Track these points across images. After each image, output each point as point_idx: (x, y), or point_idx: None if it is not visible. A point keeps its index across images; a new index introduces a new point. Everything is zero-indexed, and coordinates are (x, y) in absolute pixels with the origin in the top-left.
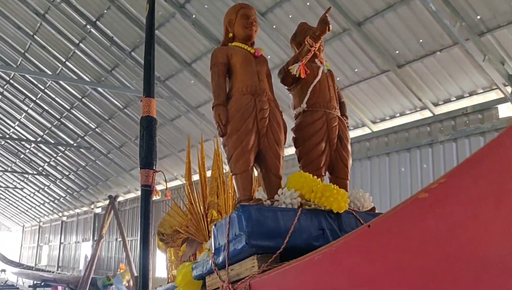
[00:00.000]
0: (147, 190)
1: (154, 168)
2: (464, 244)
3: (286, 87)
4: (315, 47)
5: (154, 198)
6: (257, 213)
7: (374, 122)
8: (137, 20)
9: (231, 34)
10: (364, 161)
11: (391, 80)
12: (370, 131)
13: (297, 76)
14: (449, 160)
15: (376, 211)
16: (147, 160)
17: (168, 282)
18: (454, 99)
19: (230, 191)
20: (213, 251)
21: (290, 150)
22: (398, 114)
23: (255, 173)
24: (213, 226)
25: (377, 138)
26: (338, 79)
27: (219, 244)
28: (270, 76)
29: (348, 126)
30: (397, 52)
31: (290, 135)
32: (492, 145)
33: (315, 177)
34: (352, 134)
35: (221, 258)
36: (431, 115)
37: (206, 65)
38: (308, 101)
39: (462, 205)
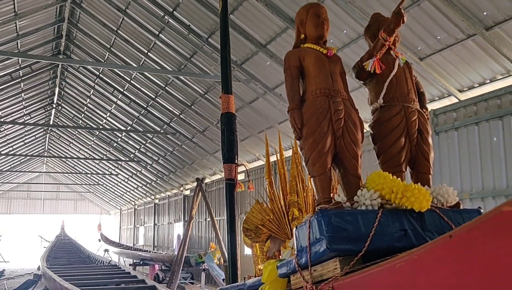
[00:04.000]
0: (231, 184)
1: (236, 162)
2: None
3: (361, 82)
4: (390, 41)
5: (238, 190)
6: (337, 218)
7: (461, 91)
8: (212, 7)
9: (302, 36)
10: (450, 132)
11: (478, 44)
12: (457, 101)
13: (371, 72)
14: None
15: (461, 207)
16: (229, 155)
17: (255, 276)
18: None
19: (310, 190)
20: (296, 251)
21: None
22: (488, 80)
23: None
24: (295, 228)
25: (464, 108)
26: (419, 48)
27: (301, 246)
28: (345, 73)
29: (428, 118)
30: (484, 13)
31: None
32: None
33: (395, 175)
34: (438, 104)
35: (303, 260)
36: None
37: (281, 45)
38: (385, 96)
39: None
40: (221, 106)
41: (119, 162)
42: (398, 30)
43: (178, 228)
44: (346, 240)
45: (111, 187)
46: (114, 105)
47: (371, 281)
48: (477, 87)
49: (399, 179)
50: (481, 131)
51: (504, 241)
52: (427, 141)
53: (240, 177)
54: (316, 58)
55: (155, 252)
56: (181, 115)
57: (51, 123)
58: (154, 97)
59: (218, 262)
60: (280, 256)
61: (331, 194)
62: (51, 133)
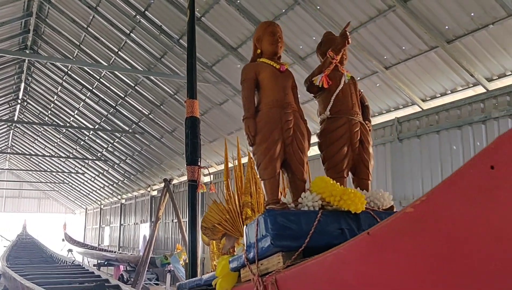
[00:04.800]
0: (194, 185)
1: (199, 164)
2: (442, 256)
3: (312, 95)
4: (337, 59)
5: (200, 191)
6: (281, 217)
7: (424, 100)
8: (184, 8)
9: (259, 50)
10: (413, 139)
11: (440, 56)
12: (420, 110)
13: (320, 86)
14: None
15: (394, 210)
16: (193, 158)
17: (212, 271)
18: (510, 73)
19: (262, 192)
20: (245, 247)
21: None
22: (449, 91)
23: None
24: (245, 226)
25: (427, 116)
26: (385, 57)
27: (250, 242)
28: (296, 87)
29: (370, 130)
30: (446, 27)
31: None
32: (468, 165)
33: (338, 180)
34: (402, 112)
35: (252, 254)
36: (485, 91)
37: (251, 49)
38: (331, 109)
39: (440, 221)
40: (186, 110)
41: (86, 161)
42: (346, 50)
43: (145, 229)
44: (289, 237)
45: (77, 186)
46: (82, 103)
47: (306, 273)
48: (439, 97)
49: (341, 184)
50: (442, 140)
51: (405, 237)
52: (367, 150)
53: (207, 179)
54: (270, 73)
55: (120, 253)
56: (150, 115)
57: (15, 119)
58: (123, 96)
59: (183, 263)
60: (235, 253)
61: (279, 196)
62: (15, 129)
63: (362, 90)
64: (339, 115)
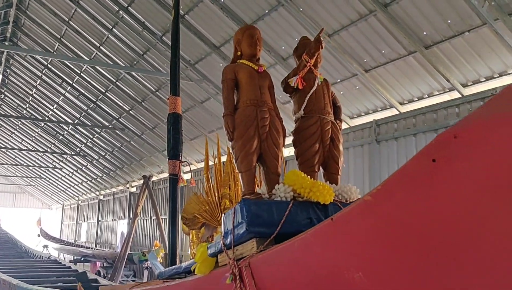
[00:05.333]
0: (174, 179)
1: (180, 159)
2: (395, 238)
3: (288, 95)
4: (311, 63)
5: (181, 184)
6: (256, 206)
7: (402, 104)
8: (167, 5)
9: (239, 52)
10: (391, 141)
11: (418, 61)
12: (397, 112)
13: (295, 87)
14: None
15: None
16: (174, 152)
17: (191, 259)
18: (484, 80)
19: (239, 184)
20: (222, 234)
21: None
22: (426, 96)
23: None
24: (223, 215)
25: (404, 119)
26: (365, 60)
27: (227, 229)
28: (273, 87)
29: (341, 129)
30: (424, 33)
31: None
32: (414, 159)
33: (310, 174)
34: (380, 115)
35: (228, 240)
36: (460, 96)
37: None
38: (305, 108)
39: (392, 207)
40: (168, 106)
41: (64, 156)
42: (320, 54)
43: (123, 226)
44: (262, 225)
45: (54, 181)
46: (62, 97)
47: (277, 256)
48: (416, 101)
49: (312, 177)
50: (418, 142)
51: (364, 222)
52: (338, 147)
53: (188, 176)
54: (248, 73)
55: (97, 249)
56: (131, 111)
57: None
58: (104, 91)
59: (161, 261)
60: (213, 241)
61: (256, 187)
62: None
63: (334, 92)
64: (312, 114)
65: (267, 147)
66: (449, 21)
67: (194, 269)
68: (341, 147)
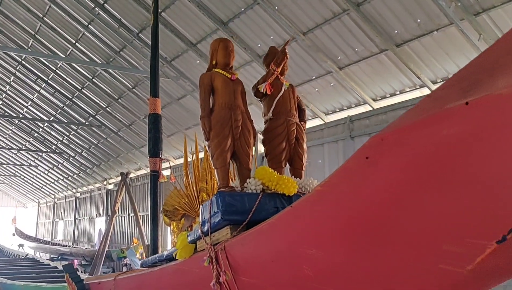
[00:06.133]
0: (155, 175)
1: (160, 156)
2: (340, 222)
3: (258, 99)
4: (278, 71)
5: (161, 181)
6: (230, 197)
7: (375, 100)
8: (144, 2)
9: (214, 62)
10: (364, 137)
11: (390, 58)
12: (371, 109)
13: (264, 92)
14: None
15: None
16: (155, 150)
17: (172, 247)
18: None
19: (215, 179)
20: (200, 223)
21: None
22: (398, 92)
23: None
24: (201, 206)
25: (376, 116)
26: (339, 58)
27: (204, 218)
28: (245, 93)
29: (305, 129)
30: (395, 32)
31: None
32: (353, 156)
33: (277, 169)
34: (354, 111)
35: (206, 228)
36: (430, 92)
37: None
38: (273, 111)
39: (336, 196)
40: (149, 107)
41: (40, 153)
42: (286, 63)
43: (100, 223)
44: (235, 213)
45: (29, 179)
46: (36, 94)
47: (248, 240)
48: (389, 97)
49: (279, 172)
50: None
51: (316, 208)
52: (302, 146)
53: (168, 172)
54: (222, 80)
55: (75, 247)
56: (107, 108)
57: None
58: (80, 88)
59: (140, 257)
60: (192, 230)
61: (229, 181)
62: None
63: (299, 96)
64: (279, 116)
65: (240, 146)
66: (418, 21)
67: (175, 255)
68: (305, 146)
